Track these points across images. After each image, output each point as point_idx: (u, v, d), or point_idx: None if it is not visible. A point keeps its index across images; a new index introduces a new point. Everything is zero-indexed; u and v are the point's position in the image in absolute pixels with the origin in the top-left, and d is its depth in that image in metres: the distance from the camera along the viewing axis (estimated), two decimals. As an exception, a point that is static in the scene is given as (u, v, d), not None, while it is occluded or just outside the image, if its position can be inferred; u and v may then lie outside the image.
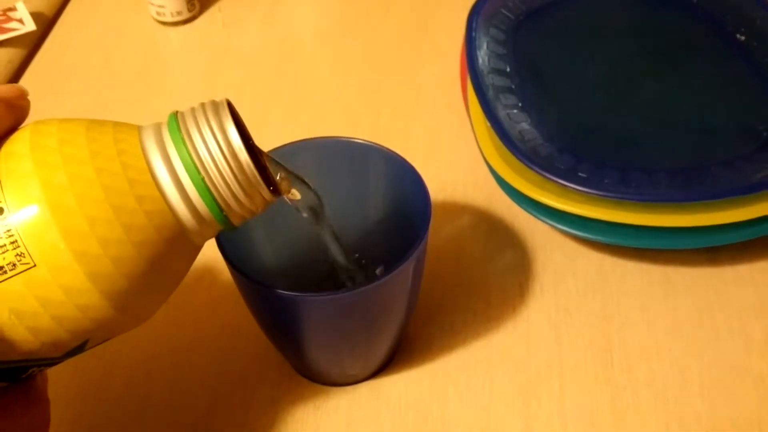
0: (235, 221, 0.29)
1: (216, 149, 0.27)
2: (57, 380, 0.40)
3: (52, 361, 0.28)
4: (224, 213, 0.28)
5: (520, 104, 0.47)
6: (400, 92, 0.56)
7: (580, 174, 0.42)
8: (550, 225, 0.44)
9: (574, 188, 0.41)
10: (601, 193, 0.41)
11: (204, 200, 0.27)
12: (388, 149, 0.38)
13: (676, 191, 0.41)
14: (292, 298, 0.33)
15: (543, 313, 0.43)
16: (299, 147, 0.39)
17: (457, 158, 0.51)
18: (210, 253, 0.33)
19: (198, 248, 0.29)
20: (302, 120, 0.54)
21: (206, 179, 0.27)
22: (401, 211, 0.39)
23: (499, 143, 0.45)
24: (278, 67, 0.59)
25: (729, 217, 0.41)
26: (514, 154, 0.44)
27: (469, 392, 0.40)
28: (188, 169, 0.27)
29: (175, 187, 0.27)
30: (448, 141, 0.52)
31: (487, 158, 0.46)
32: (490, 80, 0.48)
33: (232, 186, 0.27)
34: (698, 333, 0.42)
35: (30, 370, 0.28)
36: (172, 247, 0.27)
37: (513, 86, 0.48)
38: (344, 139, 0.39)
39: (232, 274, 0.34)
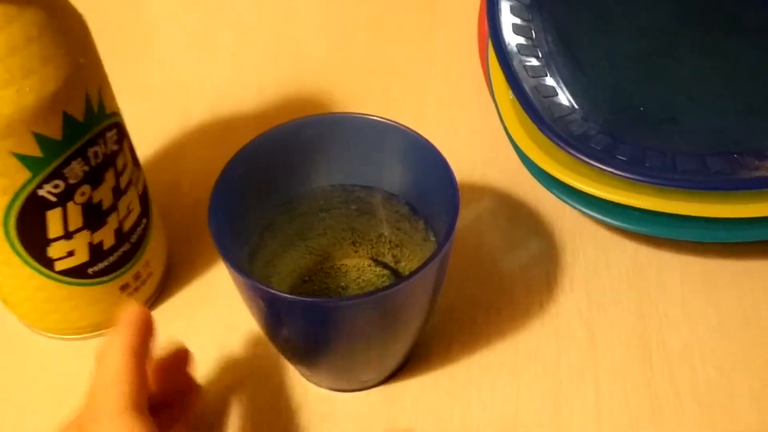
0: None
1: None
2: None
3: None
4: None
5: (548, 74, 0.42)
6: (412, 59, 0.51)
7: (618, 156, 0.38)
8: (581, 212, 0.39)
9: (612, 172, 0.37)
10: (643, 178, 0.37)
11: None
12: (413, 131, 0.34)
13: (726, 178, 0.37)
14: (307, 304, 0.29)
15: (573, 310, 0.39)
16: (308, 123, 0.35)
17: (476, 134, 0.46)
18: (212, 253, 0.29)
19: None
20: (304, 91, 0.49)
21: None
22: (423, 195, 0.35)
23: (525, 118, 0.40)
24: (278, 33, 0.54)
25: (784, 207, 0.37)
26: (542, 130, 0.39)
27: (494, 398, 0.36)
28: None
29: None
30: (465, 114, 0.48)
31: (511, 134, 0.41)
32: (514, 47, 0.43)
33: None
34: (745, 333, 0.38)
35: None
36: None
37: (540, 54, 0.43)
38: (360, 115, 0.35)
39: (234, 278, 0.30)
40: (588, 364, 0.37)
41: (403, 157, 0.35)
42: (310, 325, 0.31)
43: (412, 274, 0.29)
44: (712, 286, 0.40)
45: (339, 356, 0.33)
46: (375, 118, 0.34)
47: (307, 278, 0.37)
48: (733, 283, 0.40)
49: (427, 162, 0.34)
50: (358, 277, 0.37)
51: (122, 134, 0.34)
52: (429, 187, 0.34)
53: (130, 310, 0.30)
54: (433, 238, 0.35)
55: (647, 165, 0.38)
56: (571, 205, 0.39)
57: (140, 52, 0.52)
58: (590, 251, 0.41)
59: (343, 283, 0.37)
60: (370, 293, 0.30)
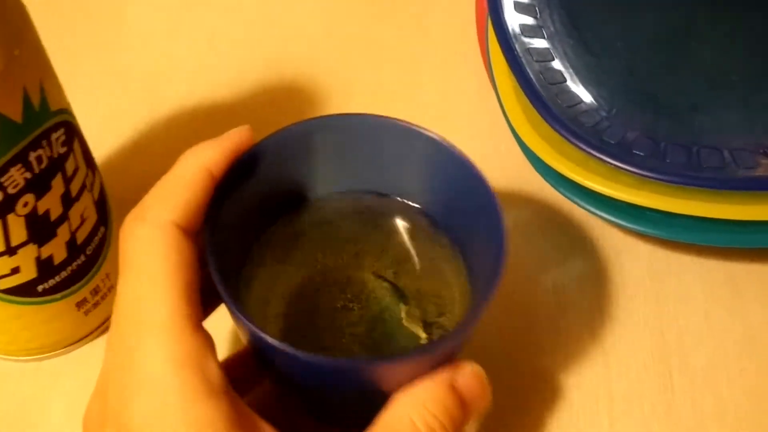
0: None
1: None
2: None
3: None
4: None
5: (555, 59, 0.38)
6: (405, 42, 0.47)
7: (635, 151, 0.34)
8: (592, 212, 0.35)
9: (627, 170, 0.33)
10: (663, 176, 0.33)
11: None
12: (446, 142, 0.29)
13: (756, 176, 0.33)
14: (343, 365, 0.26)
15: (583, 323, 0.35)
16: (316, 126, 0.30)
17: (474, 124, 0.42)
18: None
19: None
20: (286, 77, 0.45)
21: None
22: (451, 210, 0.30)
23: (529, 107, 0.36)
24: (259, 14, 0.49)
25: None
26: (548, 121, 0.35)
27: (496, 427, 0.32)
28: None
29: None
30: (463, 103, 0.43)
31: (514, 126, 0.37)
32: (516, 28, 0.39)
33: None
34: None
35: None
36: None
37: (546, 35, 0.39)
38: (380, 118, 0.30)
39: (252, 337, 0.26)
40: (601, 385, 0.33)
41: (428, 168, 0.30)
42: (322, 380, 0.27)
43: (448, 336, 0.25)
44: (738, 297, 0.36)
45: (345, 409, 0.29)
46: (396, 121, 0.29)
47: (306, 294, 0.32)
48: (761, 293, 0.36)
49: (457, 175, 0.29)
50: (363, 292, 0.32)
51: (72, 134, 0.30)
52: (458, 202, 0.30)
53: (238, 130, 0.27)
54: (461, 261, 0.31)
55: (668, 161, 0.34)
56: (580, 205, 0.35)
57: (102, 36, 0.48)
58: (601, 256, 0.37)
59: (350, 295, 0.32)
60: (394, 357, 0.26)
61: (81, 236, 0.31)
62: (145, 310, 0.24)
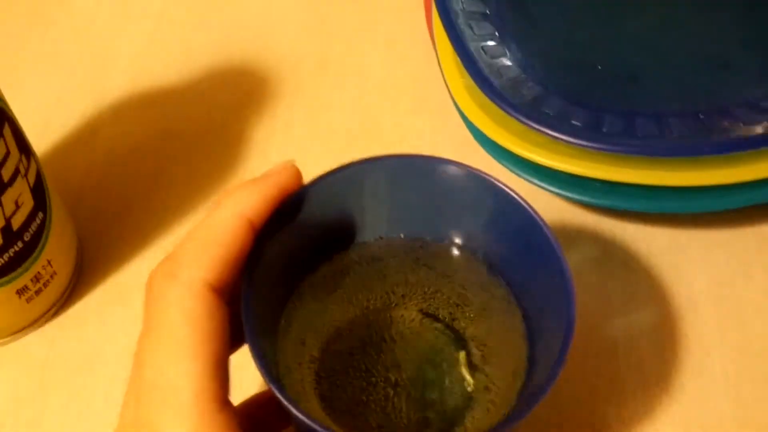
0: None
1: None
2: None
3: None
4: None
5: (496, 33, 0.38)
6: (353, 19, 0.47)
7: (573, 122, 0.34)
8: (536, 185, 0.35)
9: (565, 140, 0.33)
10: (599, 145, 0.33)
11: None
12: (512, 192, 0.27)
13: (690, 142, 0.33)
14: None
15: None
16: (373, 167, 0.28)
17: (421, 100, 0.42)
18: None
19: None
20: (235, 56, 0.45)
21: None
22: (512, 262, 0.28)
23: (472, 83, 0.36)
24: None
25: (757, 173, 0.33)
26: (489, 96, 0.35)
27: None
28: None
29: None
30: (410, 79, 0.43)
31: (457, 101, 0.37)
32: (460, 4, 0.39)
33: None
34: (719, 310, 0.34)
35: None
36: None
37: (488, 11, 0.39)
38: (443, 161, 0.28)
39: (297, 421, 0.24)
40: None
41: (488, 215, 0.28)
42: None
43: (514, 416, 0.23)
44: (680, 261, 0.36)
45: None
46: (460, 167, 0.27)
47: (347, 330, 0.30)
48: (703, 256, 0.36)
49: (521, 229, 0.27)
50: (408, 330, 0.30)
51: (1, 119, 0.30)
52: (521, 256, 0.28)
53: (283, 168, 0.25)
54: (518, 311, 0.28)
55: (604, 131, 0.34)
56: (524, 178, 0.36)
57: (46, 19, 0.47)
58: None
59: (396, 335, 0.30)
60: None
61: (17, 222, 0.31)
62: (168, 385, 0.22)
